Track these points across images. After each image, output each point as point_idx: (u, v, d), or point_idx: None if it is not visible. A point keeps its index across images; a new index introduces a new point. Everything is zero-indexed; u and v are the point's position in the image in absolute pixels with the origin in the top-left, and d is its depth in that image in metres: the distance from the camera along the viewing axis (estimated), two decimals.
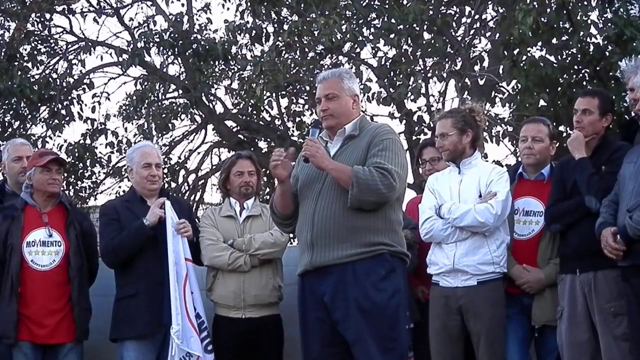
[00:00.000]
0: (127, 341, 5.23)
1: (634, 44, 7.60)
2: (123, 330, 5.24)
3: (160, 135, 11.99)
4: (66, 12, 11.34)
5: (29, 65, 11.08)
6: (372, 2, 10.29)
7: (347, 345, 4.15)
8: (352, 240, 4.14)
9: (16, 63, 10.76)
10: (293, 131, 11.46)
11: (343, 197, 4.16)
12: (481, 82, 9.64)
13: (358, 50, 10.02)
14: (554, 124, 8.55)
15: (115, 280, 5.39)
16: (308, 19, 9.52)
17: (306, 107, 11.41)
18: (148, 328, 5.17)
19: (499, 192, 4.81)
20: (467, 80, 9.20)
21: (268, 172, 11.07)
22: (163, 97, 11.84)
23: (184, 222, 5.23)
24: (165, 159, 11.62)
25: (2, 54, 10.91)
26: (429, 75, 9.76)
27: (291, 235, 5.29)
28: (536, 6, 8.44)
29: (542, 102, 8.65)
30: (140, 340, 5.21)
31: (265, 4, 10.21)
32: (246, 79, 10.60)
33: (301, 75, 10.45)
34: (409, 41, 9.38)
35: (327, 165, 4.19)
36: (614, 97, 6.54)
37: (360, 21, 10.07)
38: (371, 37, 9.70)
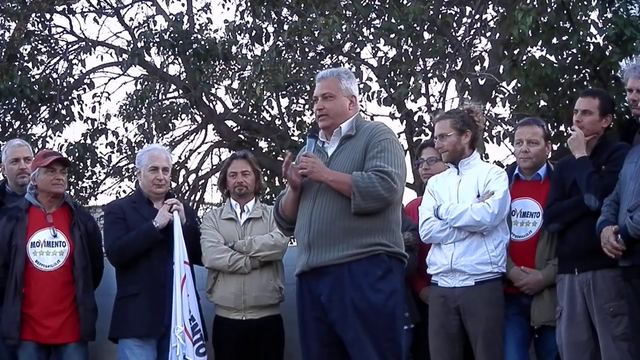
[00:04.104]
0: (127, 340, 5.24)
1: (634, 44, 7.59)
2: (124, 329, 5.26)
3: (160, 135, 11.97)
4: (66, 12, 11.32)
5: (29, 65, 11.05)
6: (372, 2, 10.26)
7: (344, 346, 4.13)
8: (349, 241, 4.12)
9: (16, 63, 10.75)
10: (293, 131, 11.44)
11: (340, 198, 4.15)
12: (481, 82, 9.62)
13: (358, 50, 9.99)
14: (555, 123, 8.58)
15: (116, 279, 5.40)
16: (308, 19, 9.50)
17: (306, 107, 11.39)
18: (149, 328, 5.19)
19: (496, 191, 4.81)
20: (467, 80, 9.18)
21: (268, 172, 11.17)
22: (163, 97, 11.80)
23: (175, 200, 5.30)
24: None
25: (2, 54, 10.91)
26: (429, 75, 9.73)
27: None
28: (536, 6, 8.43)
29: (542, 102, 8.64)
30: (141, 340, 5.22)
31: (265, 4, 10.21)
32: (246, 79, 10.58)
33: (301, 75, 10.43)
34: (409, 41, 9.34)
35: (327, 178, 4.17)
36: (614, 97, 6.54)
37: (360, 21, 10.05)
38: (371, 37, 9.67)
